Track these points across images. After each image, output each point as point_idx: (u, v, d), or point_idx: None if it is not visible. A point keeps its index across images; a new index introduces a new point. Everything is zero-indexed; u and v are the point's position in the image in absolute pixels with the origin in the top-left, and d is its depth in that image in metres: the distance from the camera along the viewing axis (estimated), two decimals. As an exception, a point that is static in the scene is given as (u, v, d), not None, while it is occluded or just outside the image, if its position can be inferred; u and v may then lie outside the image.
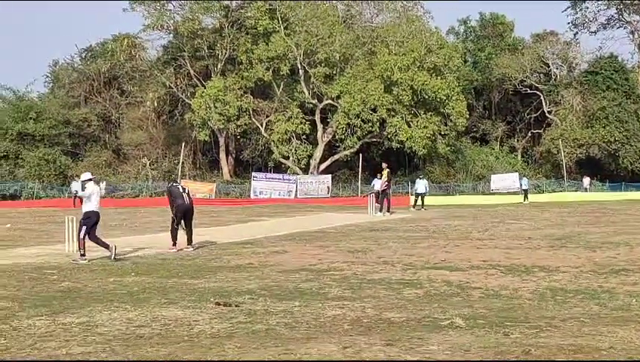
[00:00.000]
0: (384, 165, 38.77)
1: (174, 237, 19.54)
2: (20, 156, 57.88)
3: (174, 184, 20.65)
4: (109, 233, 26.12)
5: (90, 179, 18.81)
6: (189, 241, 19.66)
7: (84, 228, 17.77)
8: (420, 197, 43.41)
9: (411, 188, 48.45)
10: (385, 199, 37.23)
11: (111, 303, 11.41)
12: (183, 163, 56.05)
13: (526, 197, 50.97)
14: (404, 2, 60.87)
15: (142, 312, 10.65)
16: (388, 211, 36.62)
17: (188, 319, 10.15)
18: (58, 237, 20.94)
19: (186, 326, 9.73)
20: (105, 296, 12.24)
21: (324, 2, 59.59)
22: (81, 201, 18.45)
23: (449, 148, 58.50)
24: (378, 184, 39.92)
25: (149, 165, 59.98)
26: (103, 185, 19.89)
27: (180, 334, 9.24)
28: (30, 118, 59.69)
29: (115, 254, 17.57)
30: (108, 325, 9.82)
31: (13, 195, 52.28)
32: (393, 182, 43.91)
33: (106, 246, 17.82)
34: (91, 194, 18.31)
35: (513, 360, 7.75)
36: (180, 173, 54.63)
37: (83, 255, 17.39)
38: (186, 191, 20.32)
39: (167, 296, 12.04)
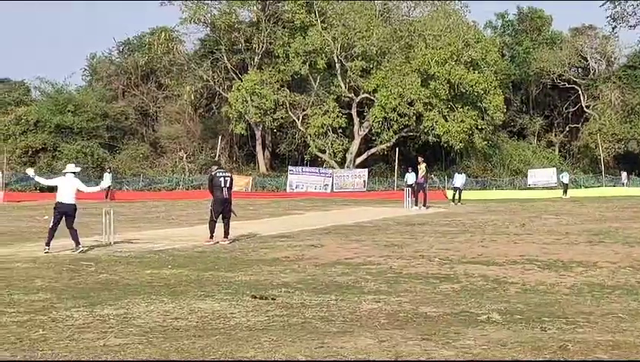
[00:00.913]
0: (420, 159, 38.64)
1: (212, 230, 19.57)
2: (58, 148, 58.21)
3: (219, 173, 20.24)
4: (146, 226, 26.34)
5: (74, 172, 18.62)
6: (226, 234, 19.68)
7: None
8: (457, 191, 43.32)
9: (448, 183, 48.25)
10: (421, 193, 37.15)
11: (148, 295, 11.47)
12: (219, 156, 56.12)
13: (565, 191, 50.52)
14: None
15: (179, 304, 10.70)
16: (424, 205, 36.53)
17: (224, 312, 10.18)
18: (95, 230, 21.06)
19: (222, 318, 9.76)
20: (142, 288, 12.30)
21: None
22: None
23: (486, 142, 58.15)
24: (412, 178, 39.92)
25: (186, 158, 60.18)
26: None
27: (217, 326, 9.27)
28: (68, 111, 60.00)
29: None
30: (145, 317, 9.88)
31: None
32: (429, 176, 43.74)
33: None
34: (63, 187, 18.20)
35: (548, 360, 7.70)
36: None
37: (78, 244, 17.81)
38: (228, 182, 20.15)
39: (204, 289, 12.08)
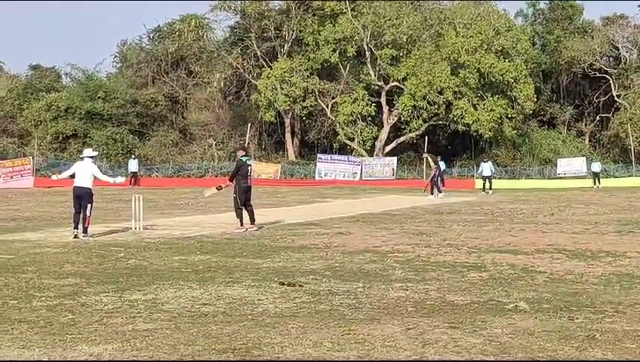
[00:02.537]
0: (430, 156, 39.20)
1: (240, 218, 19.62)
2: (89, 135, 58.54)
3: (247, 161, 20.36)
4: (175, 212, 26.47)
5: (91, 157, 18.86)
6: (252, 220, 19.72)
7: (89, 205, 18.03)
8: (487, 180, 43.18)
9: (476, 172, 48.07)
10: (440, 181, 37.41)
11: (176, 281, 11.54)
12: (248, 143, 56.23)
13: (597, 181, 50.11)
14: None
15: (207, 290, 10.75)
16: (439, 192, 36.65)
17: (252, 298, 10.22)
18: (124, 216, 21.19)
19: (250, 304, 9.80)
20: (170, 273, 12.37)
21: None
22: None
23: (515, 131, 57.90)
24: (487, 168, 40.54)
25: (215, 145, 60.34)
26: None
27: (244, 313, 9.31)
28: (99, 98, 60.30)
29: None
30: (173, 302, 9.94)
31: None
32: (458, 165, 43.68)
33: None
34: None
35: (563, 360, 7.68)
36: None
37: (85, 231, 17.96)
38: (251, 169, 20.32)
39: (232, 275, 12.13)
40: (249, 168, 20.06)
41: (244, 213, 19.69)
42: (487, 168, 43.71)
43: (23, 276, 11.97)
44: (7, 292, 10.64)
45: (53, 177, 21.53)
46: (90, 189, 18.15)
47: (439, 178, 37.60)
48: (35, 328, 8.40)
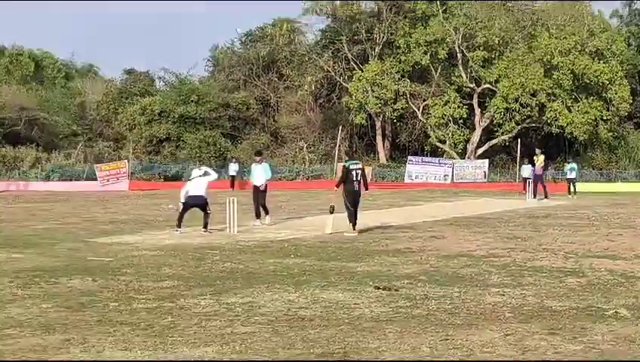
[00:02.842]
0: (537, 150, 38.00)
1: (353, 221, 19.64)
2: (182, 138, 59.31)
3: (353, 165, 20.34)
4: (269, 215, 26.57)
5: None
6: (354, 226, 19.71)
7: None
8: (570, 183, 42.10)
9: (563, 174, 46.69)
10: (540, 185, 36.60)
11: (272, 284, 11.62)
12: (339, 146, 56.29)
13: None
14: (567, -16, 59.48)
15: (303, 294, 10.81)
16: (545, 197, 35.97)
17: (348, 302, 10.24)
18: (218, 218, 21.40)
19: (346, 308, 9.82)
20: (266, 277, 12.46)
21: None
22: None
23: (611, 133, 56.82)
24: (527, 170, 39.42)
25: (306, 148, 60.55)
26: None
27: (341, 317, 9.33)
28: (192, 101, 61.03)
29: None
30: (270, 306, 10.01)
31: (175, 176, 53.59)
32: (553, 168, 42.83)
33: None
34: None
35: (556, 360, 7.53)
36: (336, 157, 54.86)
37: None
38: (360, 174, 20.31)
39: (327, 279, 12.17)
40: (354, 172, 20.02)
41: (342, 216, 19.69)
42: (570, 170, 42.56)
43: (123, 278, 12.20)
44: (107, 294, 10.85)
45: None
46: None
47: (541, 180, 36.93)
48: (137, 330, 8.55)
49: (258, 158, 24.32)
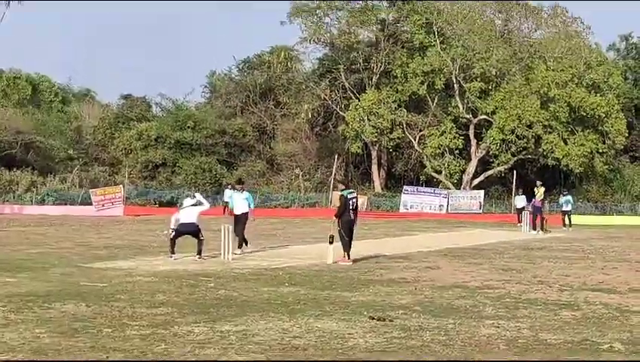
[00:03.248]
0: (538, 183, 38.06)
1: (347, 250, 19.59)
2: (177, 164, 59.33)
3: (350, 195, 20.30)
4: (262, 243, 26.58)
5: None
6: (348, 255, 19.65)
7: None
8: (565, 215, 42.15)
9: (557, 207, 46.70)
10: (539, 217, 36.55)
11: (266, 313, 11.58)
12: (335, 175, 56.33)
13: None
14: (564, 17, 59.70)
15: (297, 323, 10.76)
16: (542, 229, 35.94)
17: (342, 332, 10.20)
18: (212, 245, 21.37)
19: (340, 338, 9.77)
20: (260, 305, 12.42)
21: (482, 17, 59.01)
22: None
23: (607, 166, 56.92)
24: (521, 201, 39.53)
25: (302, 176, 60.56)
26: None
27: (335, 347, 9.29)
28: (188, 127, 61.16)
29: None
30: (264, 334, 9.97)
31: (170, 202, 53.55)
32: (548, 201, 42.76)
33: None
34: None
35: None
36: (332, 185, 54.86)
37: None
38: (355, 203, 20.34)
39: (322, 308, 12.12)
40: (351, 201, 20.01)
41: (337, 245, 19.65)
42: (565, 202, 42.67)
43: (116, 304, 12.15)
44: (101, 320, 10.80)
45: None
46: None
47: (540, 213, 36.89)
48: (130, 357, 8.50)
49: (239, 187, 24.67)
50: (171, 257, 19.84)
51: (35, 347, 9.03)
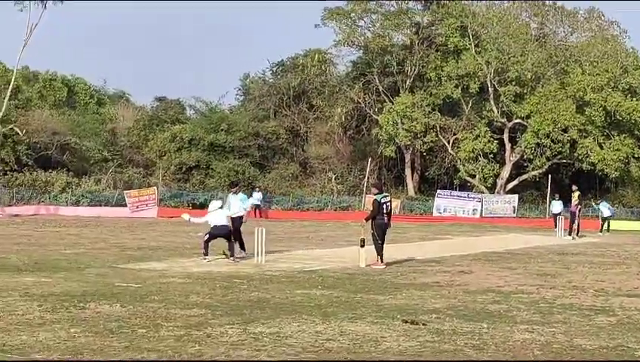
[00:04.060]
0: (574, 187, 37.82)
1: (380, 254, 19.56)
2: (211, 166, 59.47)
3: (384, 199, 20.17)
4: (296, 245, 26.62)
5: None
6: (381, 258, 19.61)
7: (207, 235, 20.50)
8: (605, 221, 42.07)
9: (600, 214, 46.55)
10: (574, 222, 36.28)
11: (299, 315, 11.58)
12: (368, 178, 56.26)
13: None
14: (600, 21, 59.36)
15: (330, 326, 10.75)
16: (577, 235, 35.68)
17: (375, 335, 10.18)
18: (246, 247, 21.42)
19: (373, 341, 9.76)
20: (293, 307, 12.42)
21: (517, 20, 58.78)
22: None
23: (643, 171, 56.55)
24: (557, 206, 39.36)
25: (335, 179, 60.53)
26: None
27: (368, 350, 9.28)
28: (221, 130, 61.31)
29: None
30: (297, 337, 9.97)
31: (203, 204, 53.65)
32: (583, 205, 42.47)
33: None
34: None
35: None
36: (365, 188, 54.80)
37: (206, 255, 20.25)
38: (389, 206, 20.31)
39: (354, 311, 12.10)
40: (385, 205, 19.96)
41: (369, 248, 19.62)
42: (605, 208, 42.59)
43: (151, 305, 12.21)
44: (135, 321, 10.86)
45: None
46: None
47: (576, 218, 36.60)
48: (164, 357, 8.54)
49: (234, 189, 23.66)
50: (205, 259, 19.92)
51: (70, 346, 9.09)
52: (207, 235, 20.34)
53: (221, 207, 21.09)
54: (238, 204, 22.42)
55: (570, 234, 35.55)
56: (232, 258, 20.12)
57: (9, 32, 73.09)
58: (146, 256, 21.39)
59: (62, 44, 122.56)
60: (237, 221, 21.79)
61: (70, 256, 20.84)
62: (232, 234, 20.49)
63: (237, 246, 21.07)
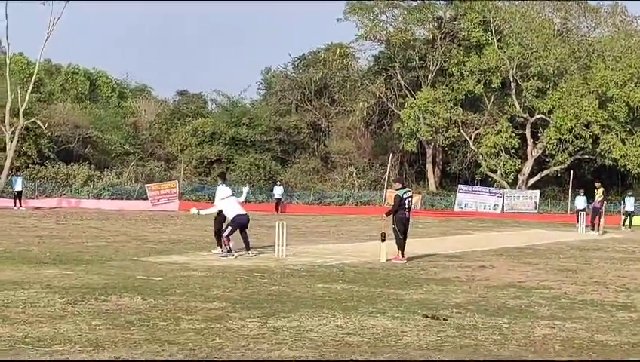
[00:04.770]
0: (597, 183, 37.63)
1: (401, 248, 19.52)
2: (232, 160, 59.55)
3: (406, 194, 20.14)
4: (317, 239, 26.64)
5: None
6: (402, 253, 19.58)
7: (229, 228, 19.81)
8: (628, 216, 41.92)
9: (622, 207, 46.39)
10: (597, 218, 36.10)
11: (320, 309, 11.57)
12: (389, 173, 56.21)
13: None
14: (624, 17, 59.03)
15: (350, 320, 10.74)
16: (598, 230, 35.50)
17: (396, 329, 10.16)
18: (267, 242, 21.44)
19: (394, 336, 9.74)
20: (313, 301, 12.42)
21: (540, 15, 58.55)
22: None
23: (666, 167, 56.22)
24: (581, 201, 39.18)
25: (356, 174, 60.50)
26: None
27: (389, 344, 9.26)
28: (243, 124, 61.43)
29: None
30: (317, 330, 9.96)
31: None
32: (607, 201, 42.27)
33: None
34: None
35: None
36: (386, 183, 54.75)
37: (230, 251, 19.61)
38: (411, 201, 20.25)
39: (375, 306, 12.09)
40: (406, 200, 19.91)
41: (390, 243, 19.59)
42: (629, 203, 42.44)
43: (171, 298, 12.23)
44: (156, 313, 10.89)
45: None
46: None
47: (599, 213, 36.37)
48: (184, 351, 8.56)
49: (221, 181, 22.30)
50: (232, 255, 19.38)
51: (91, 338, 9.12)
52: (230, 228, 19.72)
53: (233, 194, 20.72)
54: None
55: (593, 230, 35.37)
56: (249, 252, 19.83)
57: (32, 25, 73.35)
58: (167, 249, 21.44)
59: (84, 38, 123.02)
60: (221, 214, 20.76)
61: (91, 249, 20.92)
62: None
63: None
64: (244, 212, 20.04)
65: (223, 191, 20.67)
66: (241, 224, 19.85)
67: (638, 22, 59.41)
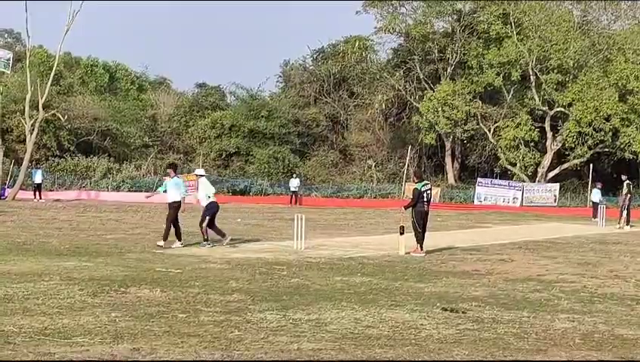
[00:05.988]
0: (623, 177, 37.33)
1: (420, 241, 19.47)
2: (251, 153, 59.69)
3: (424, 188, 20.01)
4: (336, 232, 26.63)
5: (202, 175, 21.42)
6: (422, 246, 19.53)
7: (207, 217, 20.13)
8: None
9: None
10: (621, 211, 35.78)
11: (339, 302, 11.56)
12: (408, 166, 56.16)
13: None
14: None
15: (369, 312, 10.73)
16: (627, 224, 35.16)
17: (415, 322, 10.15)
18: (286, 234, 21.45)
19: (413, 329, 9.73)
20: (333, 294, 12.41)
21: (560, 8, 58.35)
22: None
23: (685, 161, 55.99)
24: (597, 195, 38.96)
25: (374, 167, 60.52)
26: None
27: (408, 337, 9.25)
28: (262, 116, 61.53)
29: (228, 243, 20.19)
30: (336, 323, 9.96)
31: (243, 191, 53.88)
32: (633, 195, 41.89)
33: (222, 235, 20.40)
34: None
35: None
36: (404, 176, 54.72)
37: (206, 240, 20.03)
38: (430, 195, 20.19)
39: (394, 298, 12.08)
40: (425, 193, 19.85)
41: (409, 236, 19.54)
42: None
43: (191, 291, 12.25)
44: (175, 306, 10.91)
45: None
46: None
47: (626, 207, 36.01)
48: (204, 342, 8.57)
49: (169, 171, 21.95)
50: (207, 245, 19.94)
51: (110, 330, 9.15)
52: (207, 218, 20.17)
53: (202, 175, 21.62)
54: (172, 188, 20.76)
55: (620, 223, 34.97)
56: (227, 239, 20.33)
57: (51, 18, 73.65)
58: (186, 241, 21.45)
59: (103, 31, 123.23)
60: (171, 206, 20.41)
61: (111, 241, 20.99)
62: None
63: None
64: (214, 199, 20.65)
65: (205, 184, 21.31)
66: (214, 213, 20.39)
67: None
